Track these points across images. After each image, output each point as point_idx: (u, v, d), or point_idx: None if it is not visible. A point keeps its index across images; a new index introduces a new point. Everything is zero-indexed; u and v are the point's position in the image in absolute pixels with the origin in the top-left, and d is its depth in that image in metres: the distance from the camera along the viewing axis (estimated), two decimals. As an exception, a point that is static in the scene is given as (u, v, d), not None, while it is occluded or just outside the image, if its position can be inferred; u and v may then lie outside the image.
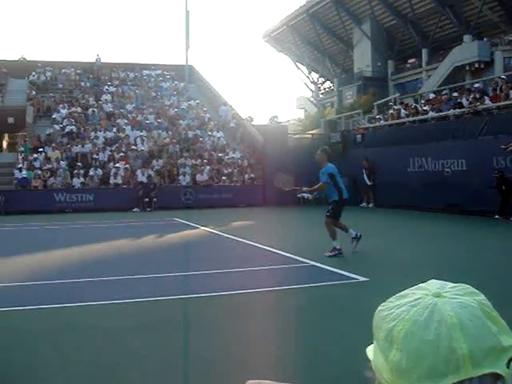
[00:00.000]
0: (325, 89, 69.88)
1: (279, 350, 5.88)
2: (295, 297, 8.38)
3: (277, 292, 8.69)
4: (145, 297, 8.36)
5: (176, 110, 37.40)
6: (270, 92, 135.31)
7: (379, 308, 1.04)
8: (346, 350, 5.75)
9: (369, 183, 27.13)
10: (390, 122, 29.14)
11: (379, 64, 54.62)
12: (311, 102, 67.55)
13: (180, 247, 14.53)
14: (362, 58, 55.72)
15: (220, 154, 32.16)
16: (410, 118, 27.58)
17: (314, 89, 69.19)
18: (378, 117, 31.59)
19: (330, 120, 41.31)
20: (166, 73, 44.88)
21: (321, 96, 67.89)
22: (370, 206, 27.08)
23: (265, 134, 31.94)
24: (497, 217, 19.20)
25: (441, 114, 25.24)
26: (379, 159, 26.47)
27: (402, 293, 1.03)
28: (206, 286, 9.16)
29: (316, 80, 69.74)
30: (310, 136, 37.48)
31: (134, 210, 26.47)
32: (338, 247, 12.18)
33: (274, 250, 12.86)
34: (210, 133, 34.71)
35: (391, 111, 30.27)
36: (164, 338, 6.42)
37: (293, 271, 10.62)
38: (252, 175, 30.33)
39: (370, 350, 1.06)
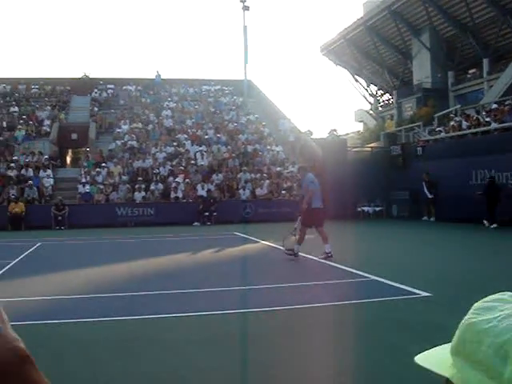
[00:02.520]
0: (384, 101, 69.25)
1: (341, 365, 5.84)
2: (356, 312, 8.31)
3: (337, 307, 8.63)
4: (206, 310, 8.42)
5: (235, 124, 37.67)
6: (329, 105, 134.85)
7: (470, 321, 0.95)
8: (408, 366, 5.67)
9: (430, 196, 26.74)
10: (451, 133, 28.68)
11: (439, 75, 53.76)
12: (370, 114, 67.02)
13: (240, 261, 14.58)
14: (422, 70, 54.96)
15: (279, 168, 32.20)
16: (472, 130, 27.10)
17: (372, 101, 68.66)
18: (438, 129, 31.14)
19: (389, 133, 40.93)
20: (224, 88, 45.31)
21: (380, 109, 67.32)
22: (431, 219, 26.67)
23: (324, 147, 31.88)
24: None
25: (504, 125, 24.73)
26: (440, 172, 26.07)
27: (485, 305, 0.96)
28: (266, 300, 9.18)
29: (375, 92, 69.20)
30: (370, 149, 37.19)
31: (195, 223, 26.73)
32: (296, 251, 13.86)
33: (334, 264, 12.79)
34: (269, 147, 34.81)
35: (452, 123, 29.78)
36: (226, 351, 6.45)
37: (353, 285, 10.53)
38: (311, 189, 30.22)
39: (426, 360, 0.98)
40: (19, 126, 35.18)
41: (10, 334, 0.87)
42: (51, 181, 29.95)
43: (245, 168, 31.40)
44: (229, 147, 34.31)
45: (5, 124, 35.74)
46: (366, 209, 29.94)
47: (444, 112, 36.60)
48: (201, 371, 5.78)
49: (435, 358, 0.99)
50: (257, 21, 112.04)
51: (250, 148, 34.15)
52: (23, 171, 29.99)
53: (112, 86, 43.55)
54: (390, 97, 65.88)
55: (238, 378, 5.58)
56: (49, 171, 30.46)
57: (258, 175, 31.02)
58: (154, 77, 45.54)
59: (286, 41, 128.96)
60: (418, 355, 1.01)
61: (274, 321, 7.85)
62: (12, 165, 30.35)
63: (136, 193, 28.66)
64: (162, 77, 45.69)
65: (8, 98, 41.23)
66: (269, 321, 7.85)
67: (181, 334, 7.26)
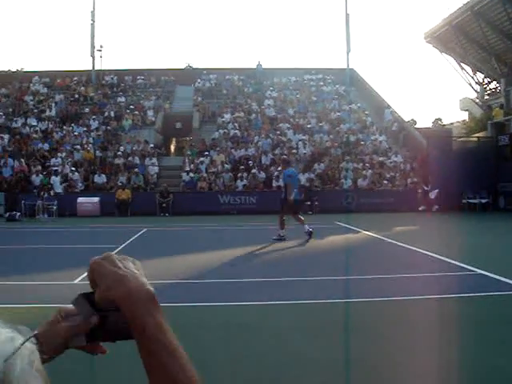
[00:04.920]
0: (491, 89, 66.86)
1: (446, 361, 5.69)
2: (461, 306, 8.09)
3: (442, 300, 8.43)
4: (309, 299, 8.43)
5: (337, 113, 37.38)
6: (433, 94, 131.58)
7: None
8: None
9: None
10: None
11: (551, 62, 51.42)
12: (476, 103, 64.89)
13: (342, 251, 14.49)
14: (533, 56, 52.71)
15: (382, 158, 31.73)
16: None
17: (478, 89, 66.45)
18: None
19: (497, 122, 39.49)
20: (327, 77, 44.97)
21: (486, 97, 65.06)
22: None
23: (428, 137, 31.17)
24: None
25: None
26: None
27: None
28: (368, 290, 9.08)
29: (481, 80, 66.92)
30: (476, 139, 36.02)
31: (296, 212, 26.71)
32: (282, 235, 16.05)
33: (439, 257, 12.47)
34: (372, 136, 34.34)
35: None
36: (329, 340, 6.43)
37: (458, 279, 10.23)
38: (415, 179, 29.65)
39: None
40: (126, 116, 36.28)
41: (145, 280, 1.12)
42: (156, 169, 30.74)
43: (347, 157, 31.13)
44: (331, 136, 34.11)
45: (112, 114, 36.94)
46: (471, 201, 29.04)
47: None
48: (303, 358, 5.78)
49: None
50: (359, 8, 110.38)
51: (352, 137, 33.83)
52: (129, 159, 30.90)
53: (215, 76, 44.10)
54: (498, 85, 63.43)
55: (339, 366, 5.56)
56: (154, 159, 31.27)
57: (360, 165, 30.67)
58: (255, 66, 45.76)
59: (389, 28, 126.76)
60: None
61: (377, 311, 7.76)
62: (119, 153, 31.33)
63: (238, 181, 28.98)
64: (265, 66, 45.84)
65: (115, 89, 42.56)
66: (372, 311, 7.76)
67: (284, 321, 7.29)
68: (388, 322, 7.26)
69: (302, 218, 16.66)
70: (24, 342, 0.81)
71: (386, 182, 29.40)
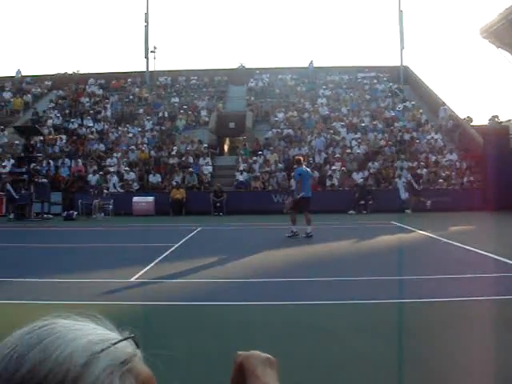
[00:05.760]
0: (550, 85, 65.35)
1: (505, 363, 5.57)
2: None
3: (499, 301, 8.29)
4: (364, 299, 8.39)
5: (391, 111, 37.00)
6: (490, 90, 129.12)
7: None
8: None
9: None
10: None
11: None
12: (535, 99, 63.49)
13: (396, 250, 14.36)
14: None
15: (436, 157, 31.26)
16: None
17: (538, 86, 64.96)
18: None
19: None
20: (380, 74, 44.52)
21: (546, 93, 63.60)
22: None
23: (484, 134, 30.56)
24: None
25: None
26: None
27: None
28: (425, 290, 8.98)
29: (541, 76, 65.41)
30: (535, 136, 35.15)
31: (350, 212, 26.57)
32: (294, 230, 16.76)
33: (497, 257, 12.24)
34: (426, 135, 33.87)
35: None
36: (384, 340, 6.39)
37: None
38: (471, 178, 29.14)
39: None
40: (180, 116, 36.64)
41: None
42: (210, 168, 30.94)
43: (402, 156, 30.78)
44: (385, 135, 33.77)
45: (166, 114, 37.36)
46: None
47: None
48: (357, 358, 5.77)
49: None
50: (413, 4, 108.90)
51: (406, 136, 33.42)
52: (184, 159, 31.18)
53: (267, 76, 44.13)
54: (557, 80, 62.04)
55: (394, 367, 5.51)
56: (208, 159, 31.49)
57: (415, 163, 30.29)
58: (307, 65, 45.61)
59: (443, 24, 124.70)
60: None
61: (433, 312, 7.67)
62: (173, 153, 31.66)
63: (292, 180, 28.93)
64: (317, 65, 45.66)
65: (169, 90, 43.04)
66: (428, 312, 7.68)
67: (338, 320, 7.28)
68: (445, 322, 7.17)
69: (309, 218, 17.19)
70: (116, 343, 0.81)
71: (441, 180, 28.96)
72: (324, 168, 30.06)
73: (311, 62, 45.55)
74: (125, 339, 0.83)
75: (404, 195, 26.46)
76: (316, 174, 29.29)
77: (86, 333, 0.82)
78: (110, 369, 0.78)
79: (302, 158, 18.73)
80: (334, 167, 29.55)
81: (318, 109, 37.41)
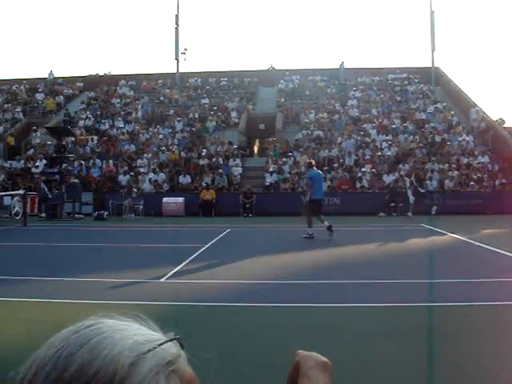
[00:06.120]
0: None
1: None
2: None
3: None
4: (394, 302, 8.35)
5: (422, 113, 36.72)
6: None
7: None
8: None
9: None
10: None
11: None
12: None
13: (427, 254, 14.22)
14: None
15: (469, 159, 30.94)
16: None
17: None
18: None
19: None
20: (411, 76, 44.21)
21: None
22: None
23: (517, 136, 30.21)
24: None
25: None
26: None
27: None
28: (454, 294, 8.90)
29: None
30: None
31: (380, 214, 26.43)
32: (310, 233, 16.71)
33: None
34: (458, 137, 33.54)
35: None
36: (414, 344, 6.35)
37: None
38: (503, 181, 28.79)
39: None
40: (210, 117, 36.77)
41: None
42: (240, 169, 30.99)
43: (433, 158, 30.53)
44: (416, 137, 33.51)
45: (197, 115, 37.50)
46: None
47: None
48: (387, 362, 5.74)
49: None
50: (444, 5, 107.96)
51: (437, 137, 33.14)
52: (214, 160, 31.28)
53: (297, 77, 44.07)
54: None
55: (424, 371, 5.46)
56: (237, 160, 31.55)
57: (446, 166, 30.03)
58: (338, 66, 45.45)
59: (474, 24, 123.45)
60: None
61: (465, 316, 7.61)
62: (203, 154, 31.77)
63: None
64: (348, 66, 45.47)
65: (199, 91, 43.19)
66: (459, 316, 7.62)
67: (367, 323, 7.25)
68: (476, 327, 7.10)
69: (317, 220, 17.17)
70: (162, 344, 0.82)
71: (472, 183, 28.67)
72: (354, 170, 29.93)
73: (342, 64, 45.38)
74: (170, 340, 0.85)
75: (412, 198, 26.16)
76: (346, 176, 29.23)
77: (132, 333, 0.83)
78: (156, 369, 0.79)
79: (313, 161, 18.62)
80: (364, 169, 29.41)
81: (348, 110, 37.29)
